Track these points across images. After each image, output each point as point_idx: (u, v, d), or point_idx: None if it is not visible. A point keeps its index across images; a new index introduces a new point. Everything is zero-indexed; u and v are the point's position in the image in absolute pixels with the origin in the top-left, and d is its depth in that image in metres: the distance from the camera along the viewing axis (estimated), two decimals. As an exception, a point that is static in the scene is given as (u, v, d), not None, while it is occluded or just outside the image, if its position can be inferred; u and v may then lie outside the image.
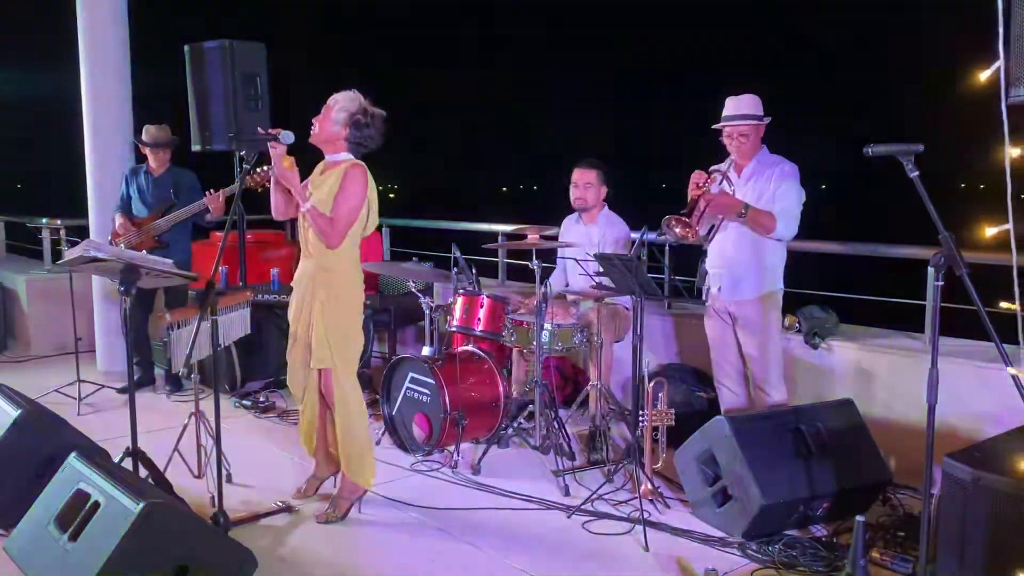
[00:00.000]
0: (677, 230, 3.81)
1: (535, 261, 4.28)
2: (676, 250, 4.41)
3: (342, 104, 3.53)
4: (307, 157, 3.67)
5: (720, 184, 4.00)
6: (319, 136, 3.57)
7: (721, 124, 4.03)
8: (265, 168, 3.77)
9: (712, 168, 4.05)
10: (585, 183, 4.72)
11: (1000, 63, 2.11)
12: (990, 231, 2.30)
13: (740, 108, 4.02)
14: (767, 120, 4.02)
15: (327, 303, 3.53)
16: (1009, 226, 2.22)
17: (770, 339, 4.05)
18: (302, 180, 3.57)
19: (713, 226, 4.05)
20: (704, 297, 4.21)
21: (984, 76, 2.15)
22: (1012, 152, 2.17)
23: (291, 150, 3.56)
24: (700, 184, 3.90)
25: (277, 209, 3.72)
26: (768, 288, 4.04)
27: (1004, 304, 2.32)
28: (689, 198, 3.89)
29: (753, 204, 3.91)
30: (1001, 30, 2.10)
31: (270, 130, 3.51)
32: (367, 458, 3.69)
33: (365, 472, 3.69)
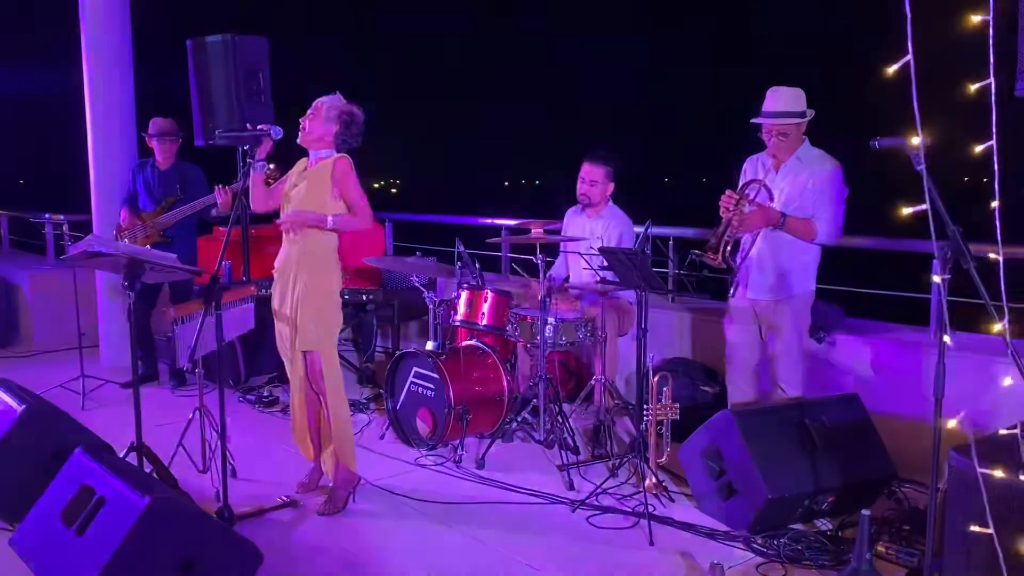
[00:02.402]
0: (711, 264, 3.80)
1: (539, 255, 4.28)
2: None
3: (330, 104, 3.69)
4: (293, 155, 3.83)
5: (758, 194, 3.84)
6: (309, 136, 3.70)
7: (759, 120, 3.83)
8: (271, 166, 3.85)
9: (746, 182, 3.89)
10: (591, 180, 4.66)
11: (909, 57, 2.16)
12: (907, 210, 2.35)
13: (780, 104, 3.78)
14: (810, 115, 3.80)
15: (311, 286, 3.63)
16: (925, 207, 2.28)
17: (793, 339, 3.92)
18: (284, 172, 3.81)
19: (741, 247, 3.97)
20: (731, 293, 4.13)
21: (891, 70, 2.19)
22: (913, 141, 2.30)
23: (279, 146, 3.74)
24: (731, 207, 3.76)
25: (256, 201, 3.84)
26: (794, 289, 3.90)
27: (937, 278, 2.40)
28: (722, 222, 3.79)
29: (788, 202, 3.79)
30: (909, 28, 2.14)
31: (260, 127, 3.69)
32: (352, 442, 3.79)
33: (353, 457, 3.77)
